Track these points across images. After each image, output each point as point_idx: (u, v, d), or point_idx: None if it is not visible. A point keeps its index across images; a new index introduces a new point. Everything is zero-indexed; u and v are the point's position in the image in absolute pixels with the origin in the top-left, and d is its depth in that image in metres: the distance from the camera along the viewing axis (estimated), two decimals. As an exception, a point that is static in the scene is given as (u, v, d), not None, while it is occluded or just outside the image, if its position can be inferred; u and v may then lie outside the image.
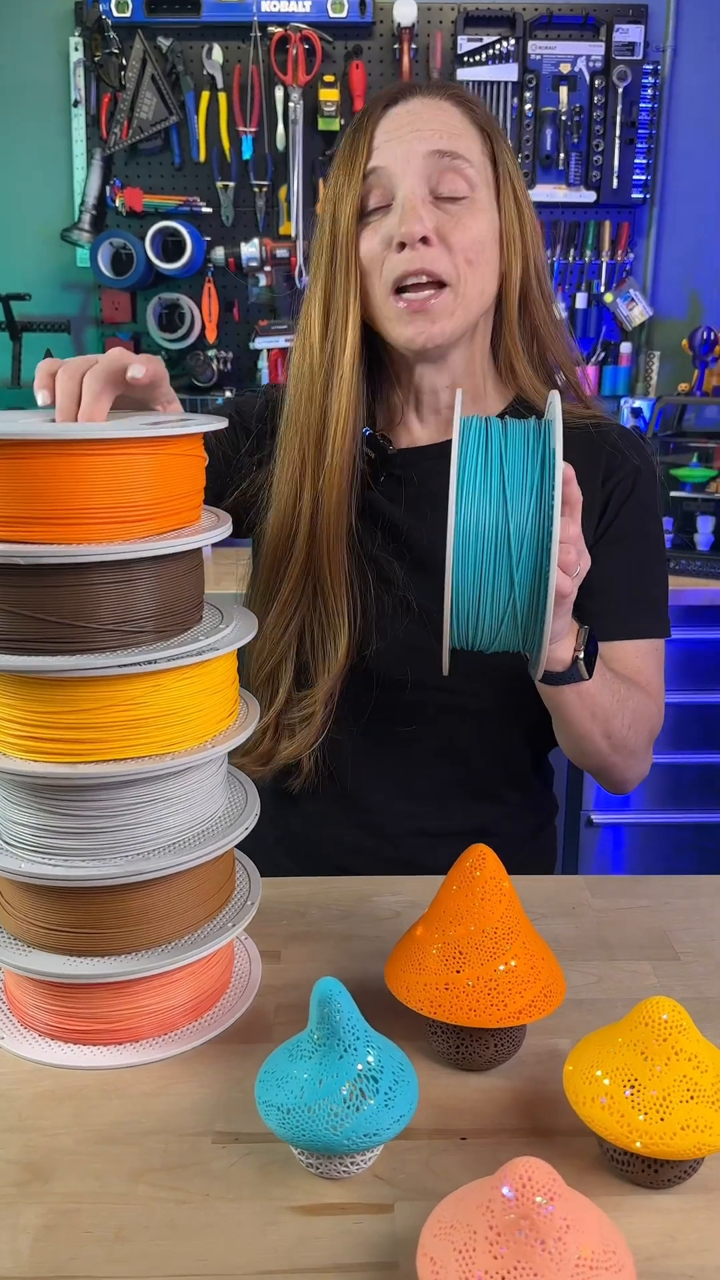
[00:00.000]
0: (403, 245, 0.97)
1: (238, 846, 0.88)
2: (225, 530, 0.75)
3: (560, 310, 2.61)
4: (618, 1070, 0.63)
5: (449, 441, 1.07)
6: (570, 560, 0.77)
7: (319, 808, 1.13)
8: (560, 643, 0.86)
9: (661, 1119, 0.60)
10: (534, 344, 1.09)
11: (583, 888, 1.00)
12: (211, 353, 2.57)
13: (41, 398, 0.79)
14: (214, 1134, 0.68)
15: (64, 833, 0.72)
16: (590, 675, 0.89)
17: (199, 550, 0.76)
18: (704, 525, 2.44)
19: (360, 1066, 0.63)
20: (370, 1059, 0.63)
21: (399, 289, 0.99)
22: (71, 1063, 0.75)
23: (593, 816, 2.38)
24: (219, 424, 0.75)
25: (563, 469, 0.72)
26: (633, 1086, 0.62)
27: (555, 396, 0.76)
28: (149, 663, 0.69)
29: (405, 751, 1.10)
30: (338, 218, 1.01)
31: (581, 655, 0.89)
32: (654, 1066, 0.62)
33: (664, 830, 2.57)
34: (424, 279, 0.98)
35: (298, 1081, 0.63)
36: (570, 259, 2.66)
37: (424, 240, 0.97)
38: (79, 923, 0.74)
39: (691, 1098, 0.61)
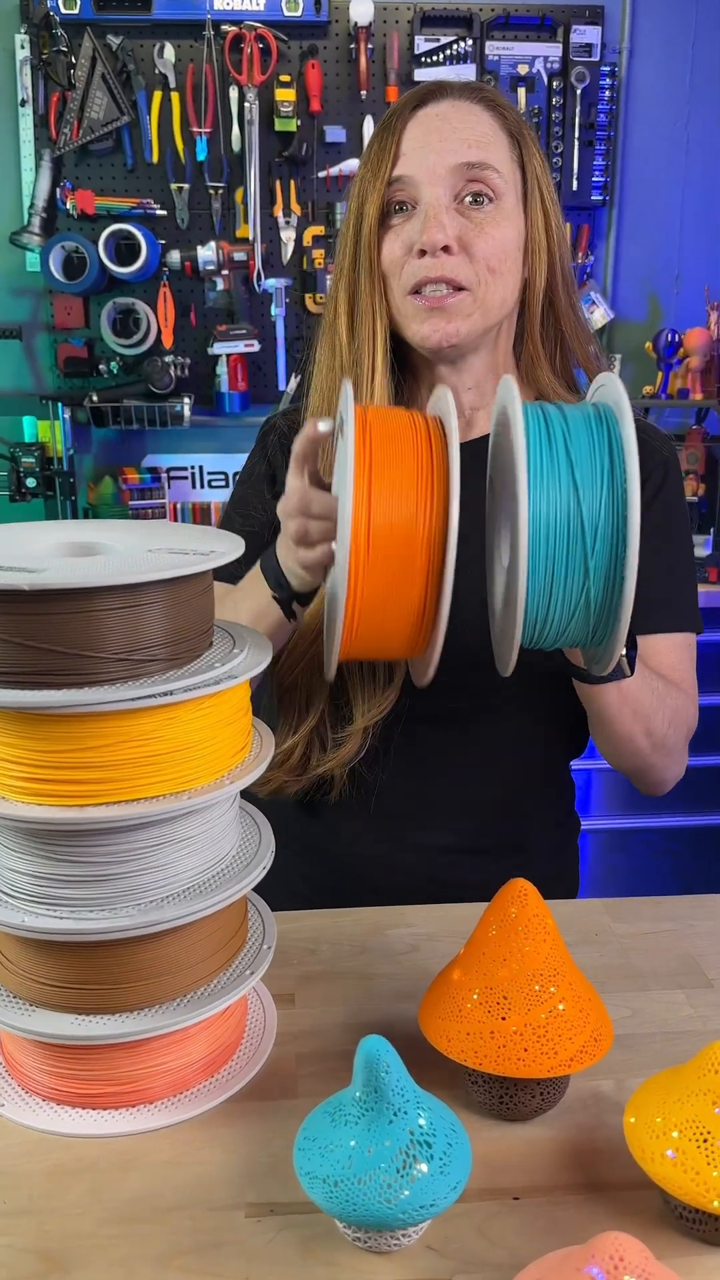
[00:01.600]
0: (423, 252, 0.96)
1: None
2: (237, 550, 0.69)
3: (585, 312, 2.59)
4: (688, 1122, 0.58)
5: (475, 441, 1.06)
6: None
7: (345, 820, 1.08)
8: None
9: (739, 1175, 0.56)
10: (558, 349, 1.08)
11: (602, 912, 0.96)
12: (169, 358, 2.50)
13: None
14: (246, 1206, 0.63)
15: (69, 882, 0.66)
16: (633, 671, 0.88)
17: (208, 571, 0.71)
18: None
19: (412, 1131, 0.58)
20: (422, 1122, 0.58)
21: (417, 290, 0.98)
22: (81, 1130, 0.69)
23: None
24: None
25: (635, 454, 0.68)
26: (706, 1139, 0.57)
27: (611, 379, 0.72)
28: (165, 694, 0.63)
29: (437, 759, 1.06)
30: (362, 218, 1.00)
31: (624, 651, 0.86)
32: (727, 1118, 0.58)
33: (636, 835, 2.55)
34: (444, 287, 0.97)
35: (344, 1150, 0.58)
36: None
37: (445, 249, 0.95)
38: (86, 979, 0.68)
39: (770, 1151, 0.57)
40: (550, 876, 1.00)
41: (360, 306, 1.01)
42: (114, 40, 2.42)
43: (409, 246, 0.97)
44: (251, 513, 1.11)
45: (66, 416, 2.45)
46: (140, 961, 0.68)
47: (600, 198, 2.60)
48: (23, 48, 2.43)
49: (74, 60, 2.42)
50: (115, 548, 0.69)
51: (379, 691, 1.00)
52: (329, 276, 1.09)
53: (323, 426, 0.80)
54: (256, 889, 1.17)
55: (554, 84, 2.53)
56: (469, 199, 0.97)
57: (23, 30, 2.43)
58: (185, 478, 2.64)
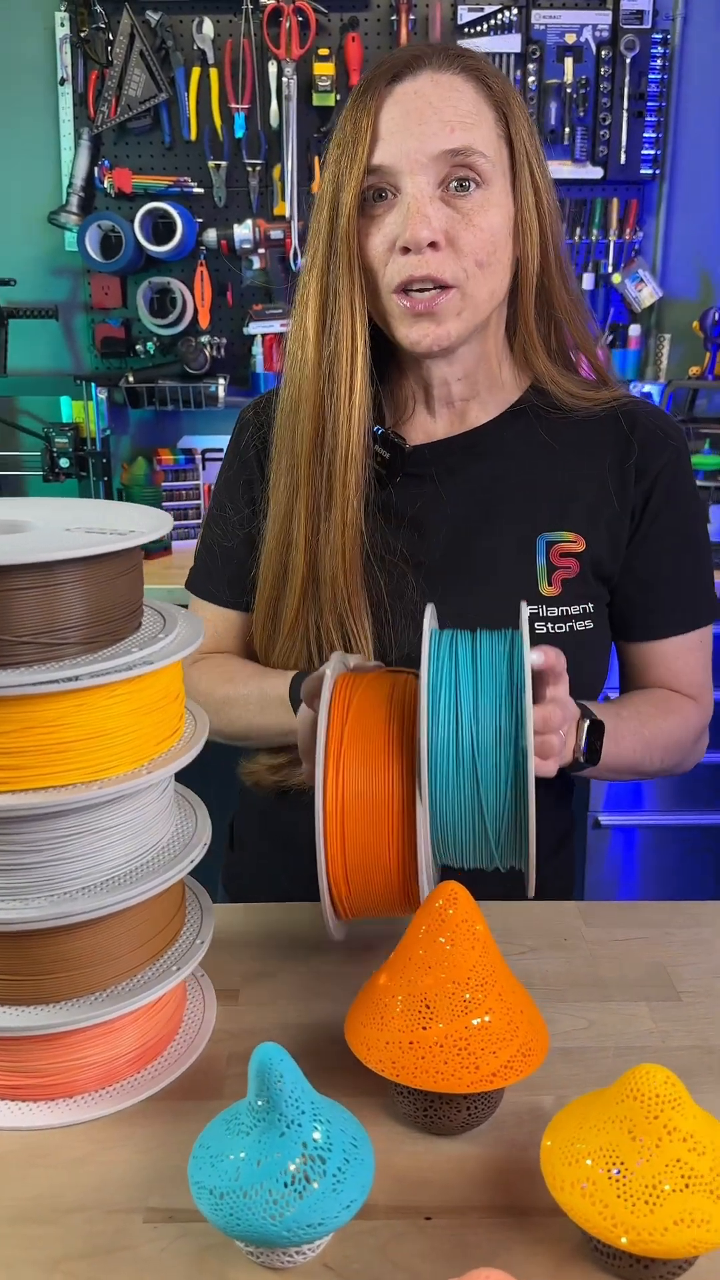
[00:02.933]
0: (407, 249, 0.90)
1: (193, 873, 0.80)
2: (161, 530, 0.67)
3: (580, 287, 2.52)
4: (601, 1151, 0.54)
5: (469, 433, 1.02)
6: (552, 744, 0.78)
7: None
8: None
9: (651, 1211, 0.52)
10: (552, 329, 1.02)
11: (575, 915, 0.91)
12: (205, 339, 2.48)
13: None
14: (146, 1211, 0.61)
15: (-18, 869, 0.64)
16: (597, 761, 0.89)
17: (136, 550, 0.68)
18: (716, 514, 2.34)
19: (305, 1144, 0.55)
20: (317, 1136, 0.55)
21: (404, 288, 0.92)
22: (-3, 1123, 0.67)
23: (600, 818, 2.29)
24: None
25: (532, 666, 0.73)
26: (618, 1170, 0.53)
27: (525, 611, 0.76)
28: (70, 679, 0.61)
29: None
30: (338, 206, 0.92)
31: (583, 753, 0.88)
32: (643, 1148, 0.54)
33: (674, 832, 2.48)
34: (430, 287, 0.91)
35: (233, 1162, 0.55)
36: (576, 238, 2.55)
37: (432, 245, 0.89)
38: (3, 969, 0.66)
39: (686, 1186, 0.52)
40: (544, 877, 0.96)
41: (337, 302, 0.94)
42: (153, 16, 2.40)
43: (391, 242, 0.91)
44: (230, 529, 1.08)
45: (102, 397, 2.44)
46: (57, 953, 0.66)
47: (650, 171, 2.51)
48: (62, 25, 2.43)
49: (112, 37, 2.40)
50: (36, 525, 0.67)
51: None
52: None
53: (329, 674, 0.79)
54: (236, 879, 1.16)
55: (602, 53, 2.44)
56: (454, 185, 0.90)
57: (62, 8, 2.42)
58: (219, 459, 2.62)
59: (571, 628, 0.99)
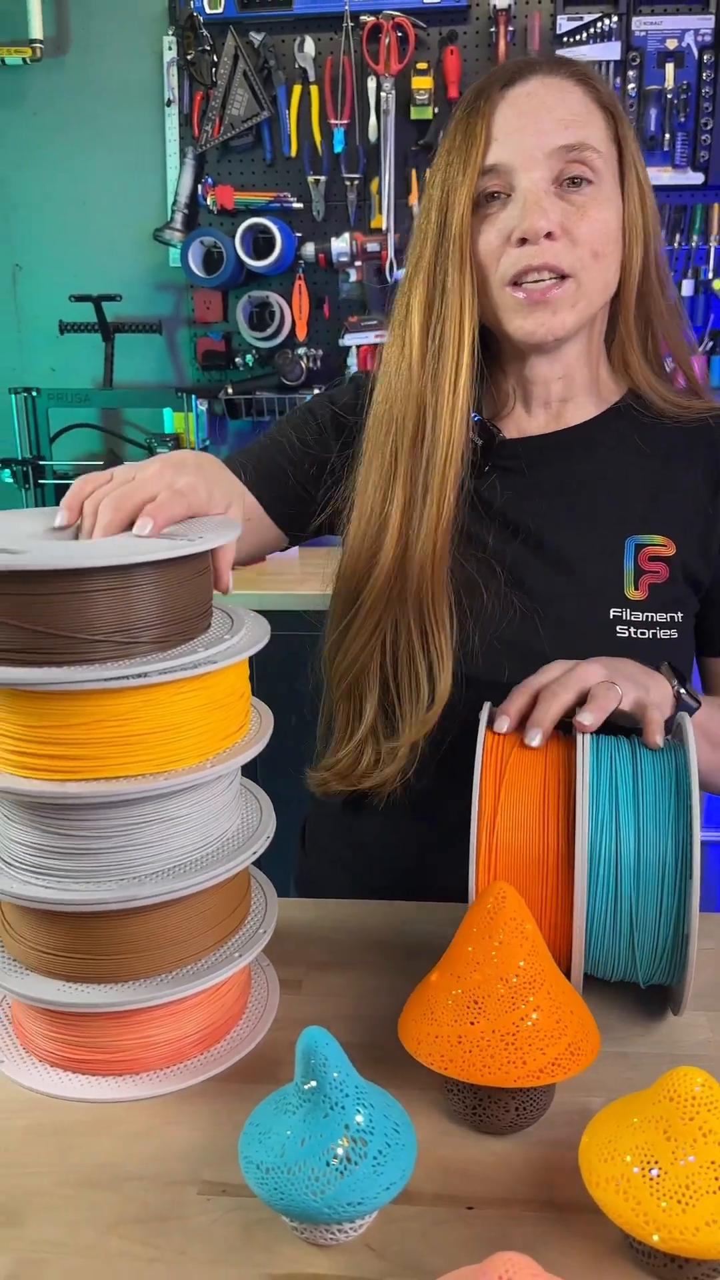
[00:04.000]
0: (524, 240, 0.92)
1: (268, 876, 0.83)
2: (230, 535, 0.70)
3: (677, 295, 2.49)
4: (637, 1149, 0.55)
5: (563, 431, 1.03)
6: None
7: (392, 824, 1.06)
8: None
9: (684, 1210, 0.53)
10: (649, 333, 1.03)
11: (640, 923, 0.91)
12: (301, 351, 2.53)
13: (61, 518, 0.75)
14: (200, 1183, 0.64)
15: (58, 853, 0.68)
16: (698, 704, 0.87)
17: (205, 554, 0.72)
18: None
19: (347, 1126, 0.57)
20: (359, 1119, 0.57)
21: (515, 281, 0.94)
22: (67, 1093, 0.71)
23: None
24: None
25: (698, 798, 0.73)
26: (654, 1170, 0.54)
27: (687, 721, 0.75)
28: (139, 676, 0.64)
29: None
30: (450, 208, 0.95)
31: (680, 688, 0.86)
32: (678, 1148, 0.54)
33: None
34: (546, 275, 0.93)
35: (280, 1139, 0.57)
36: (676, 244, 2.52)
37: (549, 235, 0.91)
38: (75, 948, 0.70)
39: (720, 1188, 0.53)
40: None
41: (446, 303, 0.96)
42: (256, 37, 2.47)
43: (506, 235, 0.93)
44: (295, 449, 1.08)
45: (202, 409, 2.52)
46: (125, 935, 0.70)
47: (753, 177, 2.46)
48: (170, 49, 2.51)
49: (217, 59, 2.48)
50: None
51: (423, 710, 0.97)
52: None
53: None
54: (308, 882, 1.19)
55: (705, 57, 2.41)
56: (568, 181, 0.92)
57: (170, 32, 2.51)
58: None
59: (655, 635, 0.98)
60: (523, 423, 1.05)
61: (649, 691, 0.81)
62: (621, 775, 0.73)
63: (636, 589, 0.98)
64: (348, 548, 1.03)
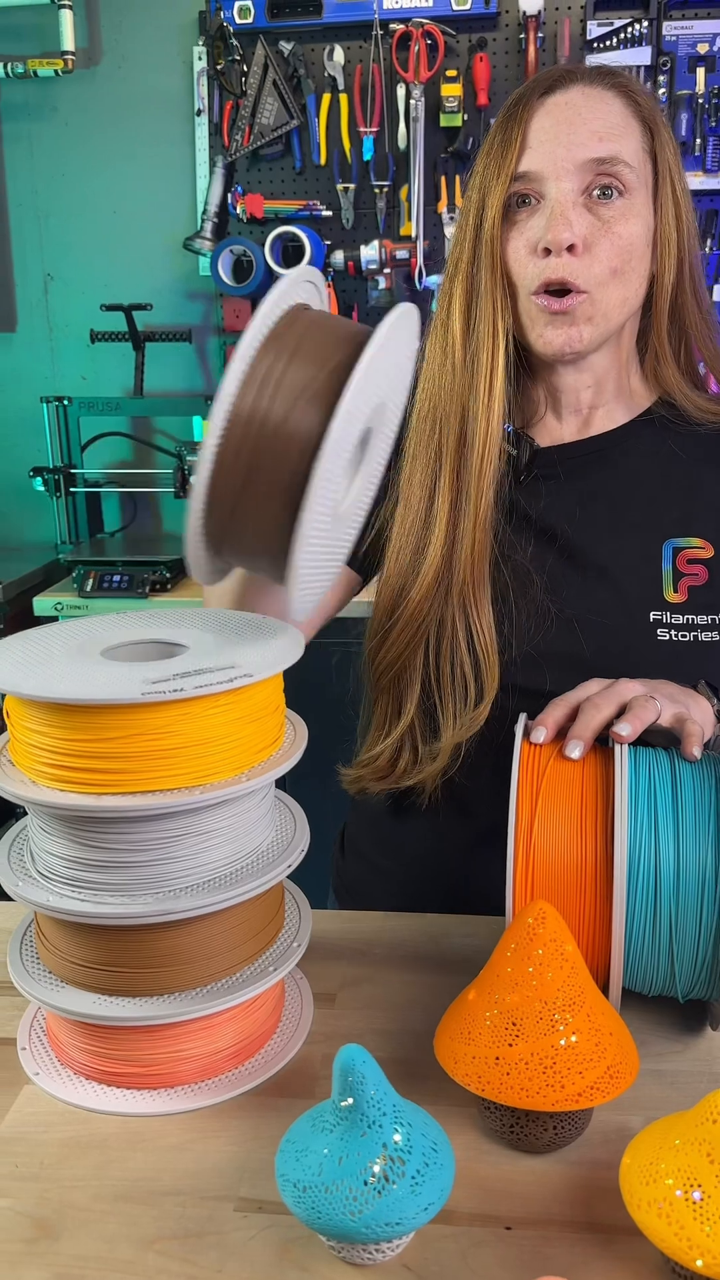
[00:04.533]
0: (548, 251, 0.93)
1: (304, 878, 0.83)
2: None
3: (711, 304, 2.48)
4: (680, 1172, 0.54)
5: (596, 438, 1.03)
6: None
7: (434, 827, 1.07)
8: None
9: (728, 1236, 0.52)
10: (683, 343, 1.03)
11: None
12: (330, 358, 2.53)
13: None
14: (237, 1200, 0.63)
15: (93, 866, 0.68)
16: None
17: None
18: None
19: (385, 1145, 0.56)
20: (397, 1138, 0.57)
21: (542, 290, 0.95)
22: (103, 1106, 0.71)
23: None
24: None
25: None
26: (698, 1193, 0.53)
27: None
28: (175, 690, 0.64)
29: None
30: (484, 211, 0.97)
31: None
32: (722, 1172, 0.53)
33: None
34: (564, 288, 0.94)
35: (317, 1157, 0.57)
36: (708, 250, 2.51)
37: (571, 248, 0.92)
38: (109, 961, 0.70)
39: (765, 1213, 0.52)
40: None
41: (480, 305, 0.97)
42: (285, 46, 2.48)
43: (534, 245, 0.94)
44: None
45: (231, 415, 2.52)
46: (160, 949, 0.70)
47: (786, 179, 2.44)
48: (200, 59, 2.53)
49: (246, 68, 2.49)
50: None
51: (469, 709, 0.97)
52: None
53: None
54: (347, 886, 1.18)
55: (736, 61, 2.39)
56: (598, 192, 0.93)
57: (200, 42, 2.52)
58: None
59: (697, 637, 0.98)
60: (554, 430, 1.05)
61: (689, 709, 0.80)
62: (660, 787, 0.73)
63: (676, 591, 0.98)
64: (393, 544, 1.03)
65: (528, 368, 1.04)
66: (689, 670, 0.91)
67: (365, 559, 1.08)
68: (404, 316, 0.68)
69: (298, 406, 0.62)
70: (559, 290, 0.93)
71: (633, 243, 0.94)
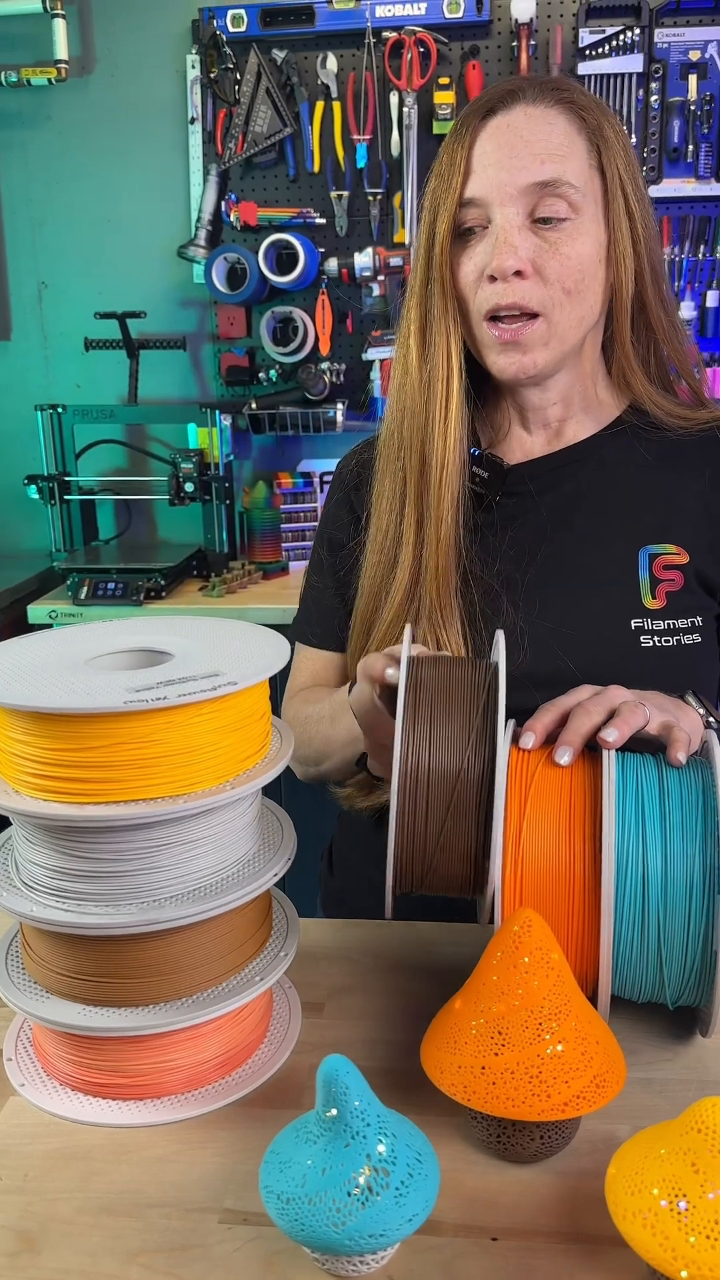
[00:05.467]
0: (494, 278, 0.93)
1: (293, 898, 0.83)
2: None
3: (687, 310, 2.49)
4: (664, 1182, 0.54)
5: (567, 450, 1.03)
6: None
7: None
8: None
9: (713, 1246, 0.51)
10: (651, 351, 1.03)
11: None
12: (324, 365, 2.54)
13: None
14: (222, 1212, 0.63)
15: (77, 876, 0.68)
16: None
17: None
18: None
19: (369, 1156, 0.56)
20: (381, 1149, 0.56)
21: (493, 316, 0.95)
22: (88, 1118, 0.71)
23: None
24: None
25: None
26: (682, 1203, 0.53)
27: (713, 739, 0.73)
28: (159, 699, 0.64)
29: None
30: (434, 236, 0.97)
31: (709, 716, 0.86)
32: (707, 1181, 0.53)
33: None
34: (517, 313, 0.94)
35: (301, 1168, 0.57)
36: (700, 255, 2.51)
37: (518, 273, 0.92)
38: (94, 971, 0.70)
39: (751, 1224, 0.52)
40: None
41: (433, 327, 0.98)
42: (279, 54, 2.49)
43: (480, 271, 0.94)
44: (326, 577, 1.13)
45: (226, 424, 2.52)
46: (146, 959, 0.69)
47: (777, 185, 2.45)
48: (193, 68, 2.53)
49: (240, 77, 2.49)
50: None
51: None
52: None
53: (390, 674, 0.79)
54: (335, 903, 1.18)
55: (728, 68, 2.40)
56: (543, 216, 0.93)
57: (194, 51, 2.52)
58: (337, 482, 2.68)
59: (679, 641, 0.98)
60: (525, 443, 1.06)
61: (678, 719, 0.80)
62: (648, 793, 0.72)
63: (655, 598, 0.99)
64: (367, 563, 1.04)
65: (493, 385, 1.04)
66: (675, 675, 0.91)
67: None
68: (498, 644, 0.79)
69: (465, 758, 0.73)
70: (512, 315, 0.93)
71: (583, 262, 0.94)
